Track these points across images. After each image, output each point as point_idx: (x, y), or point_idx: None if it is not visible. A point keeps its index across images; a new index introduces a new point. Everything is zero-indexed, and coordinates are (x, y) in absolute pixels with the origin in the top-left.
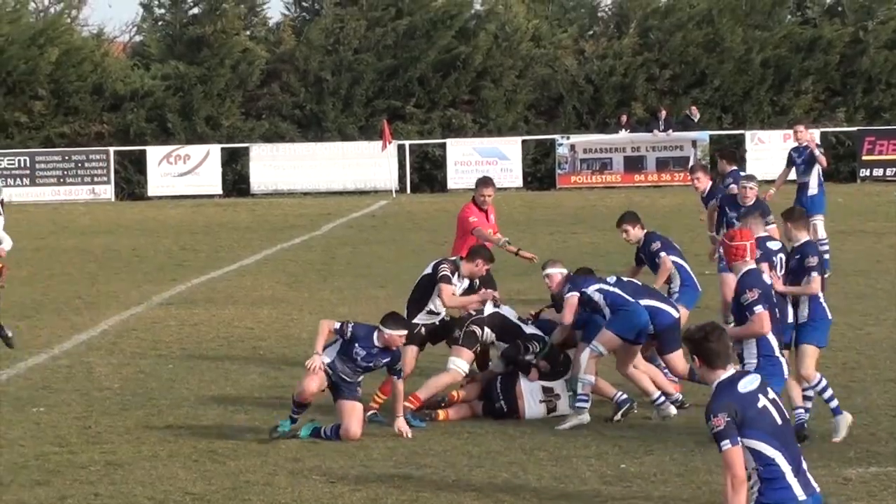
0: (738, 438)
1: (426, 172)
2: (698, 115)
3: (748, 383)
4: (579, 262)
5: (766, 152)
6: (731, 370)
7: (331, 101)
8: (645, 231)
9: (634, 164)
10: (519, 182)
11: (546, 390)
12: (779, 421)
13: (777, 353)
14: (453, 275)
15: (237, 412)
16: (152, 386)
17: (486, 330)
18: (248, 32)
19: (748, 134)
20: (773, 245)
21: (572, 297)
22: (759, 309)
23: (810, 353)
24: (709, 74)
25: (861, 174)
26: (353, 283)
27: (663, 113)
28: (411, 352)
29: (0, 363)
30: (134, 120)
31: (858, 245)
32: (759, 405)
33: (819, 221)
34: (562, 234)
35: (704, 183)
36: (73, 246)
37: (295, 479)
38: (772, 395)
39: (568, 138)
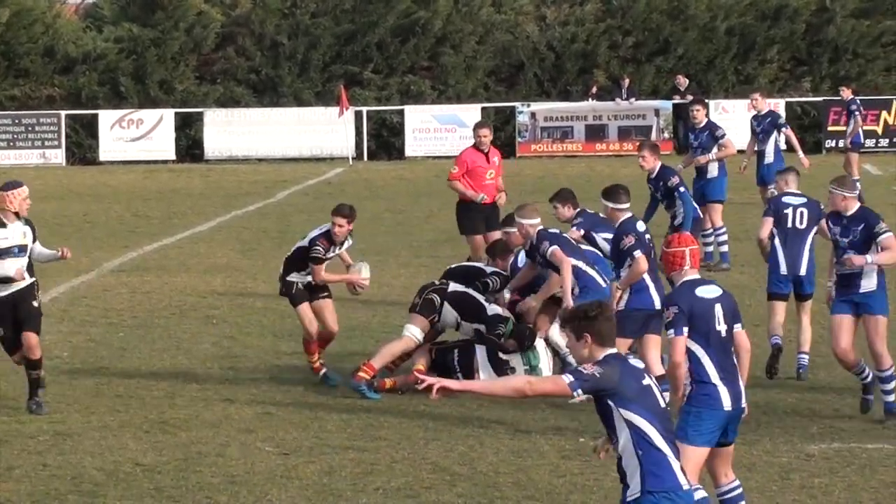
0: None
1: (384, 139)
2: (686, 84)
3: (636, 361)
4: None
5: (731, 122)
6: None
7: (287, 66)
8: (577, 210)
9: (596, 132)
10: None
11: (502, 363)
12: (661, 404)
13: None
14: (327, 251)
15: (189, 382)
16: (102, 355)
17: (446, 304)
18: None
19: (712, 103)
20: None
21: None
22: (670, 333)
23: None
24: (672, 42)
25: (826, 145)
26: None
27: (626, 81)
28: (305, 309)
29: None
30: (86, 83)
31: None
32: (644, 382)
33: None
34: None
35: (651, 163)
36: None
37: (248, 451)
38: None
39: (528, 106)
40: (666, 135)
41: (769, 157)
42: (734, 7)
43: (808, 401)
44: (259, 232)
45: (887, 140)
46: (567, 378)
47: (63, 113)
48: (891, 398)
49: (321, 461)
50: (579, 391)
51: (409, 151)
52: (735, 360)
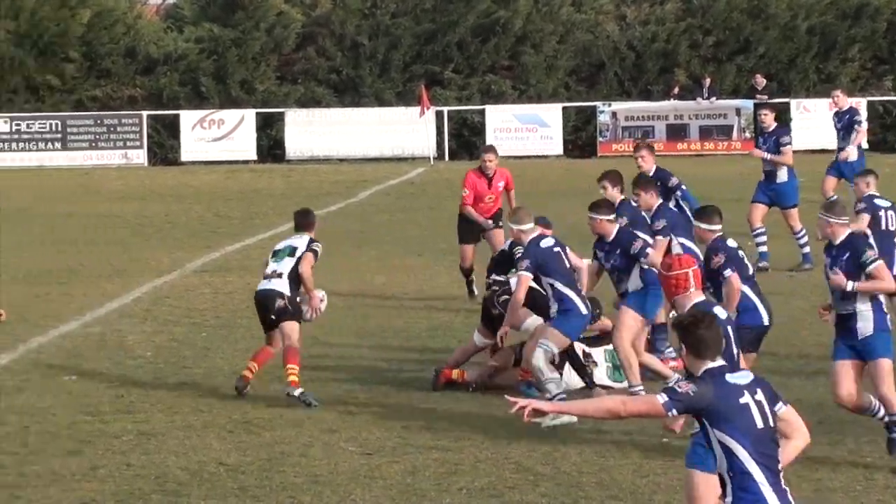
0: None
1: (464, 139)
2: (764, 83)
3: (738, 377)
4: None
5: (812, 121)
6: (720, 361)
7: (368, 66)
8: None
9: (677, 132)
10: (559, 150)
11: (585, 356)
12: (759, 424)
13: None
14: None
15: (272, 381)
16: (186, 354)
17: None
18: None
19: (793, 102)
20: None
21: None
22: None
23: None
24: (753, 41)
25: None
26: (389, 251)
27: (707, 80)
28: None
29: (32, 330)
30: (167, 84)
31: None
32: (741, 401)
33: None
34: None
35: (649, 163)
36: (106, 211)
37: (331, 451)
38: (760, 397)
39: (609, 105)
40: (747, 134)
41: (851, 155)
42: (815, 6)
43: None
44: (340, 232)
45: None
46: (661, 398)
47: (145, 113)
48: None
49: (405, 461)
50: (673, 411)
51: None
52: None
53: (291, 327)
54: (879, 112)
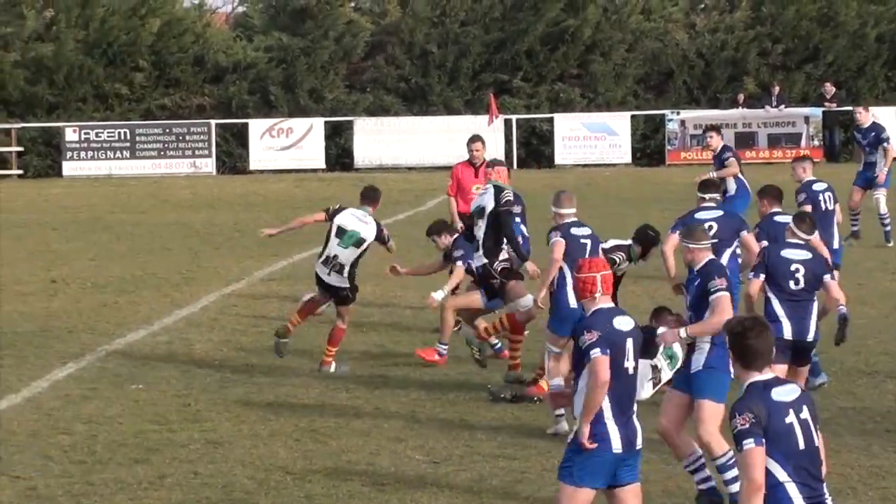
0: (763, 440)
1: (533, 147)
2: (833, 91)
3: (784, 393)
4: None
5: None
6: (768, 374)
7: (436, 75)
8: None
9: (746, 140)
10: (628, 158)
11: (653, 368)
12: (801, 445)
13: None
14: None
15: (339, 390)
16: (253, 363)
17: None
18: (352, 4)
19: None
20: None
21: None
22: (595, 353)
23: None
24: (822, 49)
25: None
26: None
27: (776, 88)
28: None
29: (100, 339)
30: (236, 92)
31: None
32: (787, 420)
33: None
34: (672, 212)
35: (718, 142)
36: (174, 220)
37: (398, 459)
38: (805, 414)
39: (678, 113)
40: (816, 142)
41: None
42: (884, 14)
43: None
44: (409, 240)
45: None
46: (748, 444)
47: (213, 122)
48: (734, 487)
49: (471, 469)
50: (761, 440)
51: (558, 159)
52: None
53: (347, 310)
54: None
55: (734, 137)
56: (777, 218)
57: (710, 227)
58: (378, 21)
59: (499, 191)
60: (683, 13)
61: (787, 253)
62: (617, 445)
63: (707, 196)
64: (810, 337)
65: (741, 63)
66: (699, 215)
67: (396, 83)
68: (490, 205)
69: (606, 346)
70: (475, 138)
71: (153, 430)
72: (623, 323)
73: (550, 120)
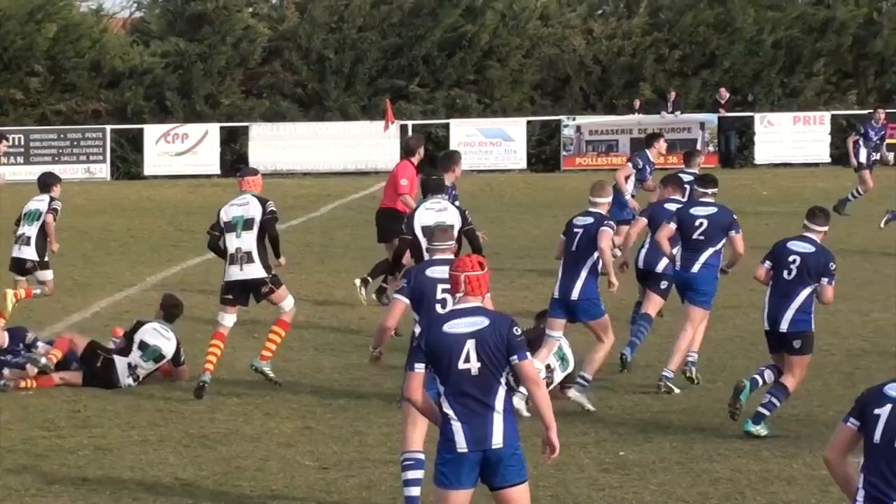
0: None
1: (429, 153)
2: (727, 97)
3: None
4: None
5: (776, 135)
6: None
7: (333, 80)
8: None
9: (641, 146)
10: (523, 164)
11: (546, 368)
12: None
13: None
14: None
15: (229, 396)
16: None
17: None
18: (250, 9)
19: (757, 116)
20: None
21: None
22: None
23: None
24: (719, 55)
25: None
26: (351, 266)
27: (672, 94)
28: None
29: None
30: (132, 98)
31: (866, 230)
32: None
33: None
34: (566, 217)
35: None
36: (68, 225)
37: (287, 465)
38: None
39: (574, 119)
40: (711, 148)
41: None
42: (781, 20)
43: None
44: (302, 246)
45: None
46: None
47: (108, 127)
48: None
49: (361, 475)
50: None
51: None
52: (487, 399)
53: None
54: (843, 126)
55: (630, 143)
56: (667, 205)
57: (700, 224)
58: (276, 27)
59: (263, 201)
60: (581, 19)
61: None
62: (462, 445)
63: (709, 191)
64: None
65: (638, 69)
66: (693, 210)
67: (293, 88)
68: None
69: (422, 358)
70: (421, 141)
71: (42, 437)
72: (466, 325)
73: (446, 126)
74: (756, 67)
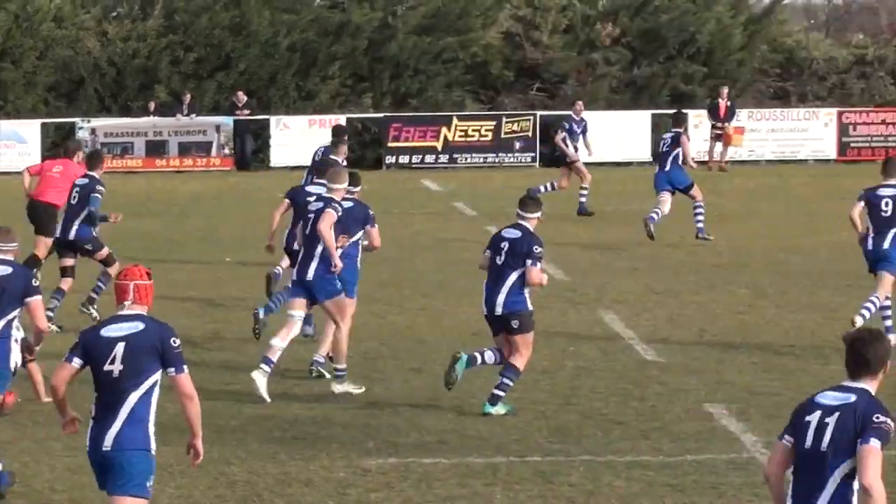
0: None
1: None
2: (245, 100)
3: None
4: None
5: (292, 137)
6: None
7: None
8: None
9: (157, 148)
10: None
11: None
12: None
13: None
14: None
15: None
16: None
17: None
18: None
19: (273, 119)
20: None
21: None
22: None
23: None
24: (234, 58)
25: (387, 161)
26: None
27: (188, 96)
28: None
29: None
30: None
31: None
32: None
33: None
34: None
35: None
36: None
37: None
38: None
39: (89, 122)
40: (227, 151)
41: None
42: (297, 23)
43: (364, 416)
44: None
45: (447, 156)
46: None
47: None
48: None
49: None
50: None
51: None
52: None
53: None
54: (358, 129)
55: (145, 146)
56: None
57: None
58: None
59: None
60: (96, 21)
61: None
62: (88, 446)
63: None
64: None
65: (153, 71)
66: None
67: None
68: None
69: (80, 353)
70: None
71: None
72: (116, 329)
73: None
74: (272, 70)
